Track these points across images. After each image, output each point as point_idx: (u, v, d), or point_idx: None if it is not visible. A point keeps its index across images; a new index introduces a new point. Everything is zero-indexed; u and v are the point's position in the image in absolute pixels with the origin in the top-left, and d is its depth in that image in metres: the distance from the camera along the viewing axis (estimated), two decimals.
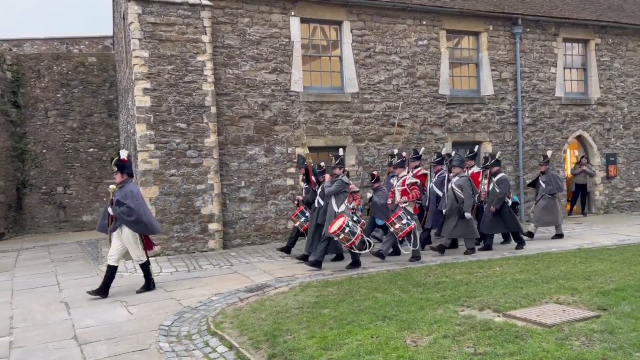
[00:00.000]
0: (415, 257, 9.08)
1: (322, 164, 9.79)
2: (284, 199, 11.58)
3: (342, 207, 8.64)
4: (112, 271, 7.51)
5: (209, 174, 10.63)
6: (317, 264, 8.61)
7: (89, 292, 7.46)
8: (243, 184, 11.27)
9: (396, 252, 9.62)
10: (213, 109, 10.73)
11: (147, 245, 7.79)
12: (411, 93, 12.99)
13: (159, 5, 10.37)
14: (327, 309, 6.14)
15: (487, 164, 10.63)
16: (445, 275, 7.79)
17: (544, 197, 11.20)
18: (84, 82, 16.85)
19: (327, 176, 8.98)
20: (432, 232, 10.81)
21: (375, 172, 10.13)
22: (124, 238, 7.52)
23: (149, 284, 7.73)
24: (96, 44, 19.33)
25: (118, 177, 7.54)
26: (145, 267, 7.73)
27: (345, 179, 8.81)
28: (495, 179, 10.24)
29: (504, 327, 5.15)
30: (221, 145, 10.94)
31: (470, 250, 9.59)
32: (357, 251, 8.50)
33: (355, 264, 8.65)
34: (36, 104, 16.53)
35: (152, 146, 10.25)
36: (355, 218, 9.72)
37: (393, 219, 8.96)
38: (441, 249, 9.52)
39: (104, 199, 17.02)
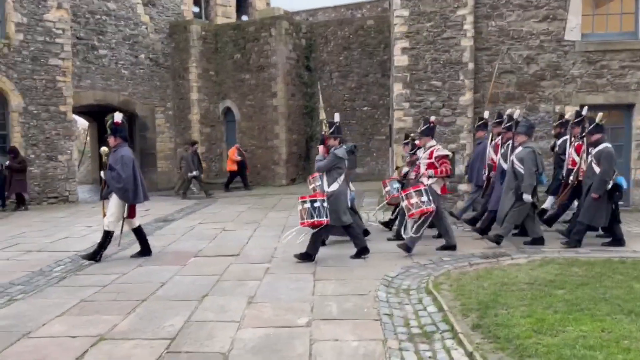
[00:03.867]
0: (406, 248, 7.24)
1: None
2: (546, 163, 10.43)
3: (335, 186, 7.12)
4: (106, 236, 7.36)
5: (462, 133, 10.35)
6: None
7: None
8: None
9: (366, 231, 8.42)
10: (470, 65, 10.28)
11: (131, 213, 7.41)
12: None
13: None
14: (561, 290, 5.43)
15: (585, 132, 7.48)
16: None
17: None
18: (362, 44, 18.18)
19: (321, 148, 7.36)
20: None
21: (417, 141, 7.97)
22: (111, 199, 7.30)
23: (95, 254, 7.33)
24: (375, 7, 20.47)
25: (112, 141, 7.30)
26: (106, 235, 7.34)
27: (340, 152, 7.10)
28: (593, 152, 7.28)
29: None
30: (477, 103, 10.45)
31: (498, 237, 7.54)
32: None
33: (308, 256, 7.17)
34: (323, 67, 18.72)
35: (407, 105, 10.52)
36: None
37: (412, 190, 7.24)
38: (497, 238, 7.57)
39: (374, 154, 18.43)
